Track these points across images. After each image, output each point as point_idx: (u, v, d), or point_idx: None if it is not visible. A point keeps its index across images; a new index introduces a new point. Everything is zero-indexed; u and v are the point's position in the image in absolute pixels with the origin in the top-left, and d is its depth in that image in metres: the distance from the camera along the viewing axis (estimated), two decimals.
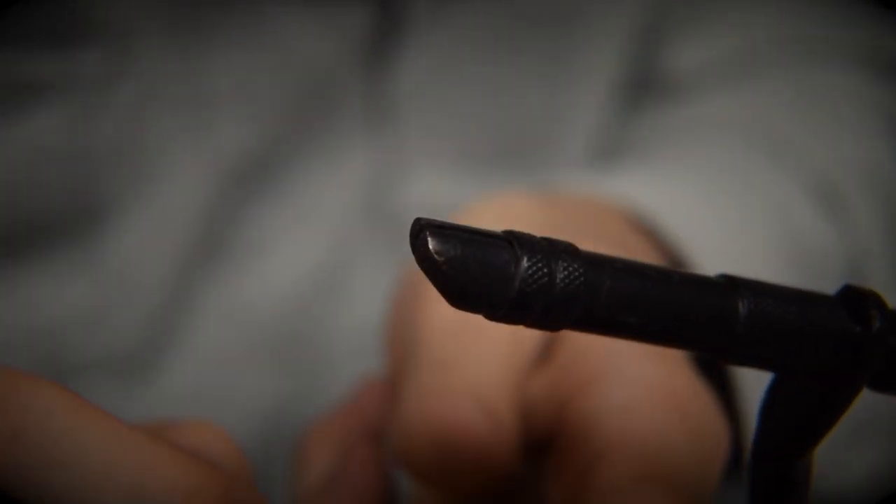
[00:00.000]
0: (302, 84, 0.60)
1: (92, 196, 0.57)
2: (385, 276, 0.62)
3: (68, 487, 0.34)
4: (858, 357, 0.33)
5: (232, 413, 0.62)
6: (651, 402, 0.43)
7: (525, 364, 0.45)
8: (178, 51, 0.57)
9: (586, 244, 0.33)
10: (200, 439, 0.38)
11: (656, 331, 0.32)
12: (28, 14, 0.54)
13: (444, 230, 0.31)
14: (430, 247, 0.31)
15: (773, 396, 0.35)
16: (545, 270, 0.31)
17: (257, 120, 0.60)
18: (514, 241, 0.31)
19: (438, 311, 0.45)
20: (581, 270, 0.31)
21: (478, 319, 0.34)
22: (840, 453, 0.62)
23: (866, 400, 0.34)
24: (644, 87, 0.72)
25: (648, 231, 0.54)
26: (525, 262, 0.31)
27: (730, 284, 0.33)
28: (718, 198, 0.59)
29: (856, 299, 0.33)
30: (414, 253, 0.31)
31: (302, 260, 0.63)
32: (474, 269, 0.31)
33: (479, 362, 0.44)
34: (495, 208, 0.48)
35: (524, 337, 0.45)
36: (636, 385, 0.44)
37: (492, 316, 0.32)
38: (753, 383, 0.51)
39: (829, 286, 0.36)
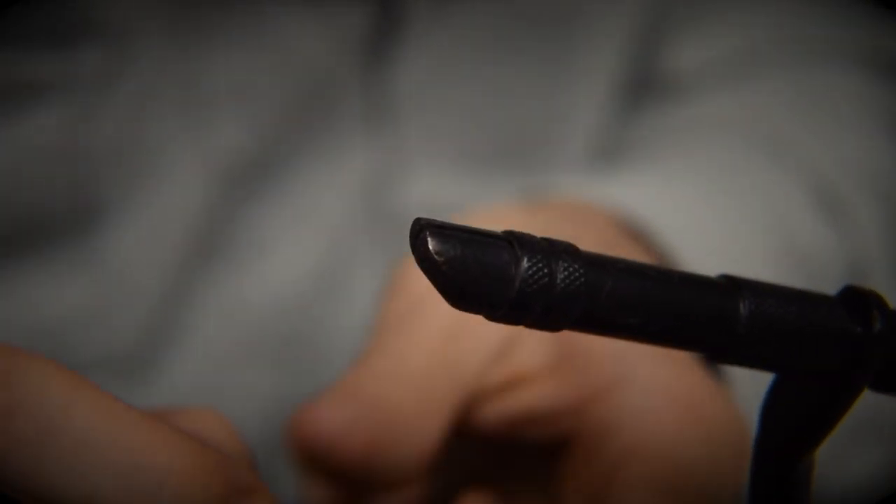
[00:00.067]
0: (301, 84, 0.60)
1: (92, 196, 0.57)
2: (384, 276, 0.62)
3: (63, 464, 0.34)
4: (859, 358, 0.33)
5: (231, 413, 0.62)
6: (667, 406, 0.44)
7: (467, 370, 0.45)
8: (178, 51, 0.57)
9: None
10: (201, 425, 0.38)
11: (657, 331, 0.32)
12: (28, 14, 0.54)
13: (444, 230, 0.31)
14: (430, 247, 0.31)
15: (773, 397, 0.35)
16: (545, 271, 0.31)
17: (257, 120, 0.60)
18: (514, 241, 0.31)
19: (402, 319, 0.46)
20: (582, 271, 0.31)
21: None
22: (841, 454, 0.62)
23: (867, 400, 0.34)
24: (644, 87, 0.72)
25: (642, 237, 0.54)
26: (525, 263, 0.31)
27: (730, 285, 0.33)
28: (717, 200, 0.59)
29: (857, 299, 0.33)
30: (414, 253, 0.31)
31: (301, 260, 0.63)
32: (474, 270, 0.31)
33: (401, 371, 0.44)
34: (488, 218, 0.49)
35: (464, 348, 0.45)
36: (652, 390, 0.44)
37: (492, 316, 0.31)
38: (750, 383, 0.51)
39: (828, 289, 0.36)
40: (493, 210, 0.51)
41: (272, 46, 0.59)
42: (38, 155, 0.56)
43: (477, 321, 0.43)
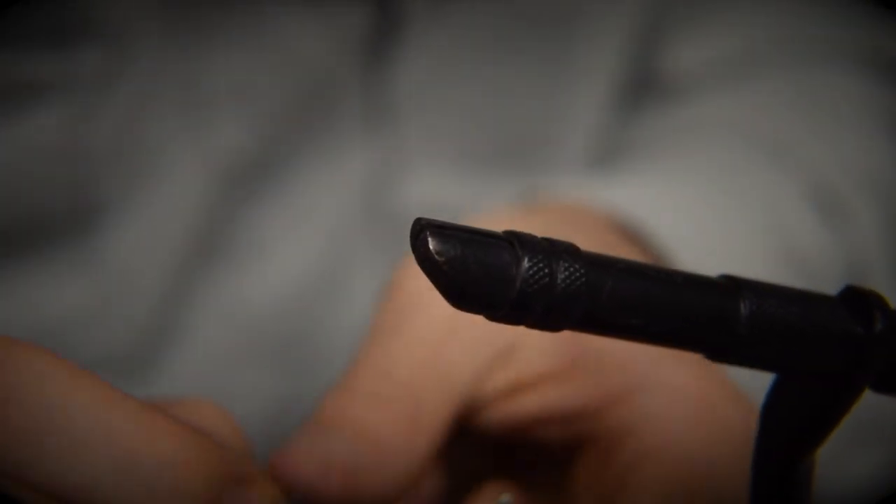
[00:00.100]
0: (301, 84, 0.60)
1: (91, 196, 0.57)
2: (384, 276, 0.62)
3: (60, 454, 0.34)
4: (861, 358, 0.33)
5: (230, 412, 0.62)
6: (684, 410, 0.44)
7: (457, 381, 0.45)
8: (178, 51, 0.57)
9: None
10: (199, 415, 0.38)
11: (658, 331, 0.32)
12: (28, 14, 0.54)
13: (445, 230, 0.31)
14: (431, 247, 0.30)
15: (775, 397, 0.35)
16: (546, 271, 0.31)
17: (256, 120, 0.60)
18: (515, 241, 0.31)
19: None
20: (582, 271, 0.31)
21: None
22: (842, 454, 0.62)
23: (868, 401, 0.34)
24: (644, 88, 0.72)
25: (642, 239, 0.54)
26: (526, 263, 0.31)
27: (731, 285, 0.33)
28: (716, 200, 0.59)
29: (858, 300, 0.33)
30: (414, 253, 0.31)
31: (301, 259, 0.63)
32: (475, 270, 0.31)
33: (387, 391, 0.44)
34: (488, 221, 0.48)
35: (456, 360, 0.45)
36: (671, 394, 0.44)
37: (492, 316, 0.31)
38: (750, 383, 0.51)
39: (827, 289, 0.36)
40: (492, 214, 0.51)
41: (272, 46, 0.59)
42: (38, 155, 0.56)
43: (468, 326, 0.43)
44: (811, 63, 0.70)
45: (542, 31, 0.65)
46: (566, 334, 0.34)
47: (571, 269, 0.31)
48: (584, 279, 0.31)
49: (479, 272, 0.31)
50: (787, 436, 0.35)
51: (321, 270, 0.63)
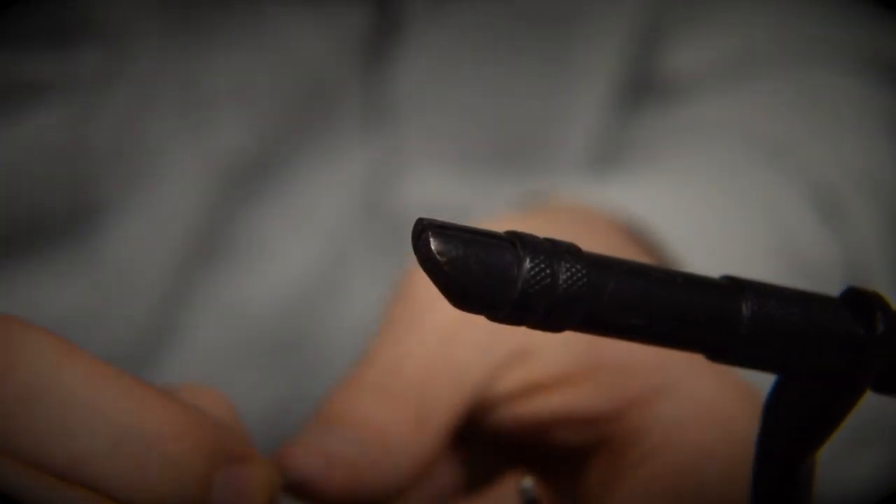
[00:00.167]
0: (301, 84, 0.60)
1: (91, 196, 0.57)
2: (384, 276, 0.62)
3: (53, 426, 0.34)
4: (862, 359, 0.33)
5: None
6: (699, 420, 0.44)
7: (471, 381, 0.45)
8: (178, 51, 0.57)
9: None
10: (200, 400, 0.38)
11: (659, 332, 0.32)
12: (28, 14, 0.54)
13: (447, 230, 0.31)
14: (433, 247, 0.30)
15: (776, 398, 0.35)
16: (548, 271, 0.31)
17: (256, 120, 0.60)
18: (516, 241, 0.31)
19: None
20: (584, 272, 0.31)
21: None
22: (843, 455, 0.62)
23: (869, 402, 0.34)
24: (644, 88, 0.72)
25: (644, 240, 0.54)
26: (528, 263, 0.31)
27: (733, 286, 0.33)
28: (716, 200, 0.59)
29: (859, 301, 0.33)
30: (416, 253, 0.31)
31: (301, 259, 0.63)
32: (476, 270, 0.31)
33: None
34: (490, 224, 0.48)
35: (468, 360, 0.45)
36: (689, 403, 0.45)
37: (494, 317, 0.31)
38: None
39: (828, 289, 0.36)
40: (495, 217, 0.51)
41: (272, 46, 0.59)
42: (38, 155, 0.56)
43: (481, 325, 0.43)
44: (811, 63, 0.70)
45: (542, 31, 0.65)
46: (583, 338, 0.34)
47: (573, 270, 0.31)
48: (585, 280, 0.31)
49: (480, 272, 0.31)
50: (788, 436, 0.35)
51: (321, 270, 0.63)
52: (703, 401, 0.45)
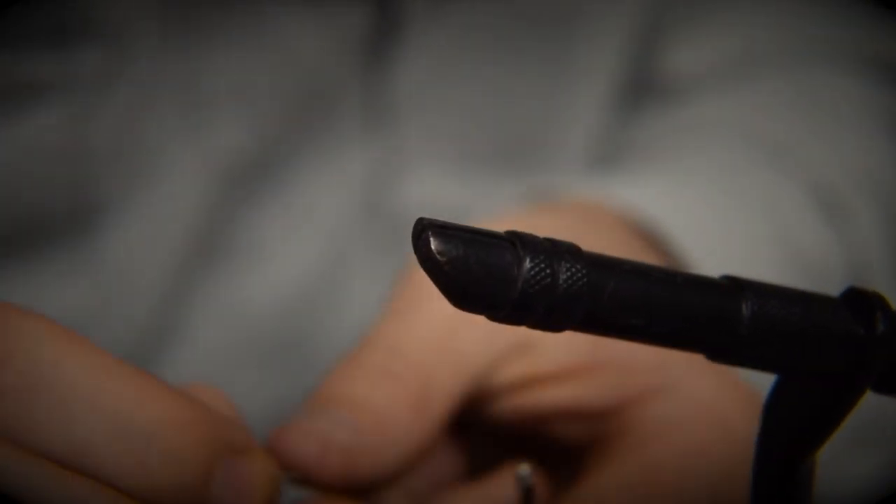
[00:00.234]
0: (301, 84, 0.60)
1: (91, 196, 0.57)
2: (383, 276, 0.62)
3: (53, 415, 0.34)
4: (862, 359, 0.33)
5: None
6: (698, 420, 0.44)
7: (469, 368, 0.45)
8: (178, 51, 0.57)
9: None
10: (202, 397, 0.38)
11: (659, 332, 0.32)
12: (28, 14, 0.54)
13: (447, 230, 0.31)
14: (433, 247, 0.30)
15: (776, 398, 0.35)
16: (548, 271, 0.31)
17: (256, 120, 0.60)
18: (516, 241, 0.31)
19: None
20: (584, 271, 0.31)
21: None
22: (843, 455, 0.62)
23: (869, 402, 0.34)
24: (644, 88, 0.72)
25: (649, 236, 0.54)
26: (528, 263, 0.31)
27: (733, 286, 0.33)
28: (717, 200, 0.59)
29: (860, 301, 0.33)
30: (416, 253, 0.31)
31: (301, 260, 0.63)
32: (477, 270, 0.31)
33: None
34: (497, 222, 0.49)
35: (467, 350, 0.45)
36: (689, 403, 0.45)
37: (494, 317, 0.31)
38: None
39: (828, 289, 0.36)
40: (499, 215, 0.51)
41: (272, 46, 0.59)
42: (38, 155, 0.56)
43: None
44: (811, 63, 0.70)
45: (542, 31, 0.65)
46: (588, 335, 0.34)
47: (573, 270, 0.31)
48: (585, 279, 0.31)
49: (480, 272, 0.31)
50: (788, 436, 0.35)
51: (321, 270, 0.63)
52: (703, 401, 0.45)
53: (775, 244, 0.59)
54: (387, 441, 0.43)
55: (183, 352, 0.61)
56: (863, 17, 0.73)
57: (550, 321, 0.31)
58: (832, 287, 0.36)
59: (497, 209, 0.54)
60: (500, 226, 0.33)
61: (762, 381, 0.36)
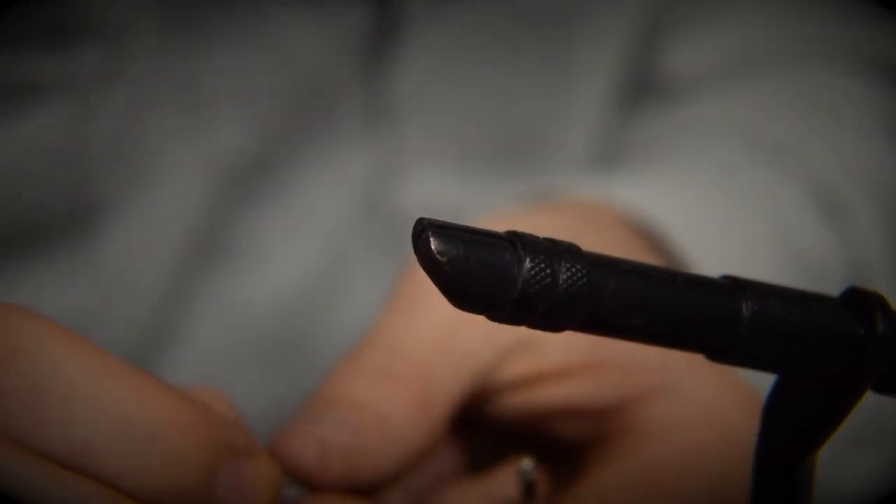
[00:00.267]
0: (301, 84, 0.60)
1: (91, 196, 0.57)
2: (384, 276, 0.62)
3: (54, 416, 0.34)
4: (862, 359, 0.33)
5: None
6: (698, 421, 0.44)
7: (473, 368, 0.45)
8: (177, 51, 0.57)
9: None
10: (204, 399, 0.38)
11: (660, 332, 0.32)
12: (28, 14, 0.54)
13: (447, 230, 0.31)
14: (433, 247, 0.30)
15: (776, 398, 0.35)
16: (548, 271, 0.31)
17: (256, 120, 0.60)
18: (516, 241, 0.31)
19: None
20: (584, 271, 0.31)
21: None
22: (843, 455, 0.62)
23: (870, 402, 0.34)
24: (644, 88, 0.72)
25: (649, 236, 0.54)
26: (528, 263, 0.31)
27: (733, 286, 0.33)
28: (717, 200, 0.59)
29: (860, 301, 0.33)
30: (416, 253, 0.31)
31: (301, 260, 0.63)
32: (477, 270, 0.31)
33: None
34: (498, 221, 0.49)
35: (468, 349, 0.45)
36: (689, 403, 0.45)
37: (494, 317, 0.31)
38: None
39: (828, 289, 0.36)
40: (500, 214, 0.51)
41: (272, 46, 0.59)
42: (38, 155, 0.56)
43: None
44: (811, 63, 0.70)
45: (542, 31, 0.65)
46: None
47: (573, 270, 0.31)
48: (585, 279, 0.31)
49: (481, 272, 0.31)
50: (788, 436, 0.35)
51: (321, 271, 0.63)
52: (704, 401, 0.45)
53: (775, 244, 0.59)
54: (388, 442, 0.43)
55: (183, 352, 0.61)
56: (863, 17, 0.73)
57: (551, 321, 0.31)
58: (832, 287, 0.36)
59: (497, 209, 0.54)
60: (500, 226, 0.33)
61: (762, 381, 0.36)
